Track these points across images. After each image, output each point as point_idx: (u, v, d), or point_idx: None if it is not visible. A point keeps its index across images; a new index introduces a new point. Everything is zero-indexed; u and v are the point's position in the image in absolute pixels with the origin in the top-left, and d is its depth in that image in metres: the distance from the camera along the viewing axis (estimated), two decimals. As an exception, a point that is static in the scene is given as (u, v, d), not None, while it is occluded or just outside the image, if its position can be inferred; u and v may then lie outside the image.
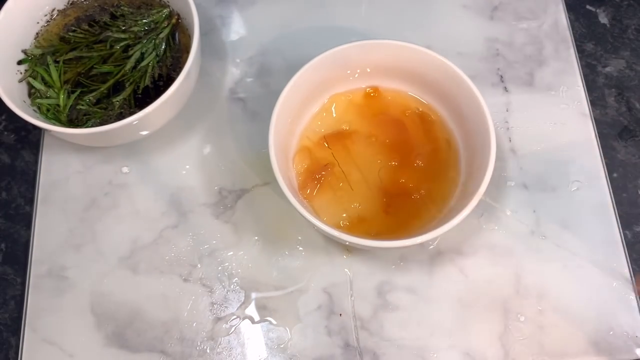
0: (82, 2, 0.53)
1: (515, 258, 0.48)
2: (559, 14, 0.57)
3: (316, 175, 0.47)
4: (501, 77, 0.55)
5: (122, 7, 0.53)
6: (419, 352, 0.46)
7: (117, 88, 0.50)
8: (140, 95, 0.49)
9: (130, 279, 0.48)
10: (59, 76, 0.49)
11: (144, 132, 0.49)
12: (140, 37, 0.51)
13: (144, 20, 0.51)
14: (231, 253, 0.49)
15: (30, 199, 0.52)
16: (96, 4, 0.53)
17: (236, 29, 0.57)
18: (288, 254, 0.48)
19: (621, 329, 0.46)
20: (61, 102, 0.49)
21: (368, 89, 0.50)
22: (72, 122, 0.49)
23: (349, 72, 0.49)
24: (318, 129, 0.49)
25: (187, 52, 0.48)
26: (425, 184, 0.47)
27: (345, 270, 0.48)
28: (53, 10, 0.52)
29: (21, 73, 0.50)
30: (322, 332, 0.46)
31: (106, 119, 0.48)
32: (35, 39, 0.51)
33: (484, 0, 0.58)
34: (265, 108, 0.52)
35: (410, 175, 0.47)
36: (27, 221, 0.51)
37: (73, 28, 0.52)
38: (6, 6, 0.48)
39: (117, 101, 0.49)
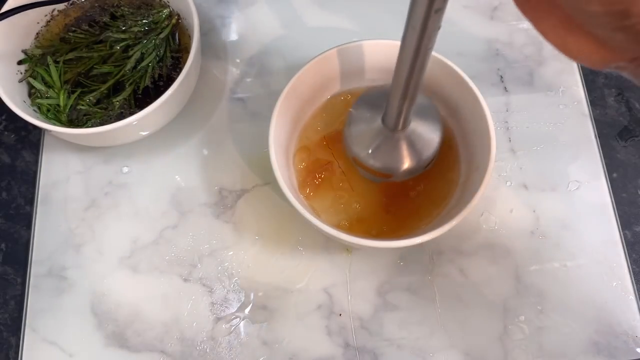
0: (82, 2, 0.53)
1: (515, 258, 0.48)
2: (559, 14, 0.57)
3: (316, 175, 0.47)
4: (501, 77, 0.55)
5: (122, 8, 0.53)
6: (419, 352, 0.46)
7: (117, 88, 0.50)
8: (140, 96, 0.49)
9: (130, 279, 0.48)
10: (59, 76, 0.49)
11: (144, 132, 0.49)
12: (140, 38, 0.51)
13: (144, 21, 0.51)
14: (231, 253, 0.49)
15: (30, 199, 0.52)
16: (96, 4, 0.53)
17: (236, 29, 0.57)
18: (288, 254, 0.48)
19: (621, 328, 0.46)
20: (61, 102, 0.49)
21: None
22: (72, 122, 0.49)
23: (349, 72, 0.49)
24: (318, 129, 0.49)
25: (187, 52, 0.48)
26: (425, 183, 0.46)
27: (345, 270, 0.48)
28: (53, 10, 0.52)
29: (21, 73, 0.50)
30: (322, 332, 0.46)
31: (106, 119, 0.48)
32: (35, 39, 0.51)
33: (484, 0, 0.58)
34: (265, 108, 0.52)
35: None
36: (27, 221, 0.51)
37: (73, 28, 0.52)
38: (6, 6, 0.48)
39: (117, 101, 0.49)
